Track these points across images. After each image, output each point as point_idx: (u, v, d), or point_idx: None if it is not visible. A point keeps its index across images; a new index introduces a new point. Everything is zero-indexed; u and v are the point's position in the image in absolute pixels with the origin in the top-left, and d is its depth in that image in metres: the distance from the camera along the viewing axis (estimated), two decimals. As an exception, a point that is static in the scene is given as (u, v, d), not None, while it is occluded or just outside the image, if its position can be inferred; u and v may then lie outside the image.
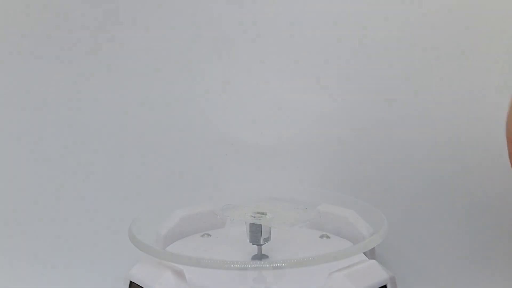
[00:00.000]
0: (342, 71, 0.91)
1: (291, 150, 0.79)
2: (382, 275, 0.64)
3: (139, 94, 0.93)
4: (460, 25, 0.88)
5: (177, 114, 0.93)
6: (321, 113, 0.91)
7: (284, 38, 0.91)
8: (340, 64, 0.91)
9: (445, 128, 0.90)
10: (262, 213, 0.69)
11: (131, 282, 0.66)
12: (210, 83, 0.93)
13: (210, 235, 0.74)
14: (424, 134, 0.90)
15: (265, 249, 0.68)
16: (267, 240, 0.68)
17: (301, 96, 0.92)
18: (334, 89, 0.91)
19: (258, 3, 0.91)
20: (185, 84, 0.93)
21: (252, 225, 0.68)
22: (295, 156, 0.78)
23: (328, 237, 0.74)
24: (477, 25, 0.87)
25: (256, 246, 0.68)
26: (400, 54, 0.89)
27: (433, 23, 0.88)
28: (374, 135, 0.90)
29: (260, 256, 0.67)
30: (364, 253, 0.70)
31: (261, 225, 0.68)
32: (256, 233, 0.68)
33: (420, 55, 0.89)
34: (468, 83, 0.89)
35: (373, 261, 0.66)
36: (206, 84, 0.93)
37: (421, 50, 0.89)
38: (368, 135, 0.91)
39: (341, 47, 0.90)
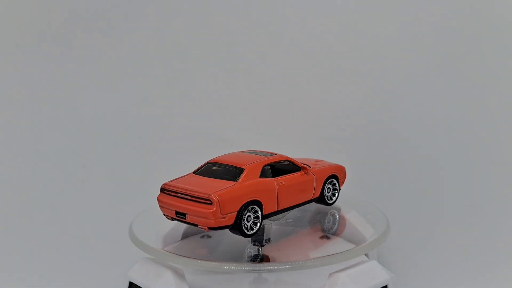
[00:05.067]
0: (343, 71, 0.91)
1: (291, 150, 0.79)
2: (383, 276, 0.64)
3: (139, 94, 0.93)
4: (461, 26, 0.88)
5: (177, 114, 0.93)
6: (322, 113, 0.91)
7: (285, 39, 0.91)
8: (341, 63, 0.91)
9: (445, 128, 0.90)
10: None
11: (130, 283, 0.66)
12: (210, 83, 0.93)
13: (210, 236, 0.73)
14: (425, 134, 0.90)
15: (265, 249, 0.68)
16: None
17: (302, 96, 0.92)
18: (334, 88, 0.91)
19: (258, 4, 0.91)
20: (185, 84, 0.93)
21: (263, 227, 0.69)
22: (294, 155, 0.78)
23: (328, 238, 0.74)
24: (477, 26, 0.87)
25: (257, 247, 0.68)
26: (402, 54, 0.89)
27: (436, 25, 0.88)
28: (375, 135, 0.90)
29: (260, 257, 0.67)
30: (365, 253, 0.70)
31: (271, 223, 0.69)
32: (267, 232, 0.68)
33: (423, 56, 0.89)
34: (468, 83, 0.89)
35: (373, 261, 0.66)
36: (206, 84, 0.93)
37: (423, 51, 0.89)
38: (369, 135, 0.91)
39: (343, 46, 0.90)
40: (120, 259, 0.91)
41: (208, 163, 0.71)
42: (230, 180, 0.66)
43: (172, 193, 0.67)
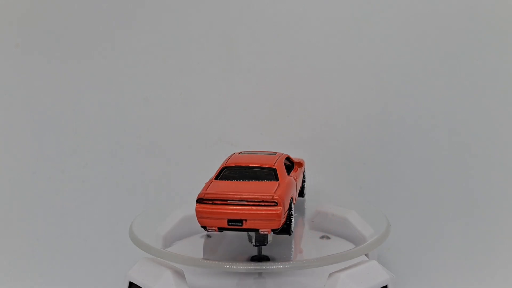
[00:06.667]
0: (344, 70, 0.91)
1: (291, 151, 0.79)
2: (382, 276, 0.64)
3: (139, 94, 0.93)
4: (463, 26, 0.88)
5: (177, 114, 0.93)
6: (322, 113, 0.91)
7: (285, 38, 0.91)
8: (342, 63, 0.90)
9: (445, 128, 0.90)
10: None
11: (130, 283, 0.66)
12: (210, 83, 0.93)
13: (210, 236, 0.74)
14: (425, 134, 0.90)
15: (265, 249, 0.68)
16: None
17: (302, 96, 0.92)
18: (334, 88, 0.91)
19: (258, 4, 0.91)
20: (185, 84, 0.93)
21: None
22: (295, 156, 0.78)
23: (328, 238, 0.74)
24: (479, 27, 0.88)
25: (256, 247, 0.68)
26: (403, 54, 0.89)
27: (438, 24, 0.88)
28: (375, 135, 0.90)
29: (260, 257, 0.67)
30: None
31: None
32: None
33: (423, 56, 0.89)
34: (468, 84, 0.89)
35: (373, 261, 0.66)
36: (206, 84, 0.93)
37: (424, 51, 0.89)
38: (369, 135, 0.91)
39: (343, 46, 0.90)
40: (120, 259, 0.91)
41: (224, 167, 0.68)
42: (271, 181, 0.65)
43: (220, 202, 0.62)
